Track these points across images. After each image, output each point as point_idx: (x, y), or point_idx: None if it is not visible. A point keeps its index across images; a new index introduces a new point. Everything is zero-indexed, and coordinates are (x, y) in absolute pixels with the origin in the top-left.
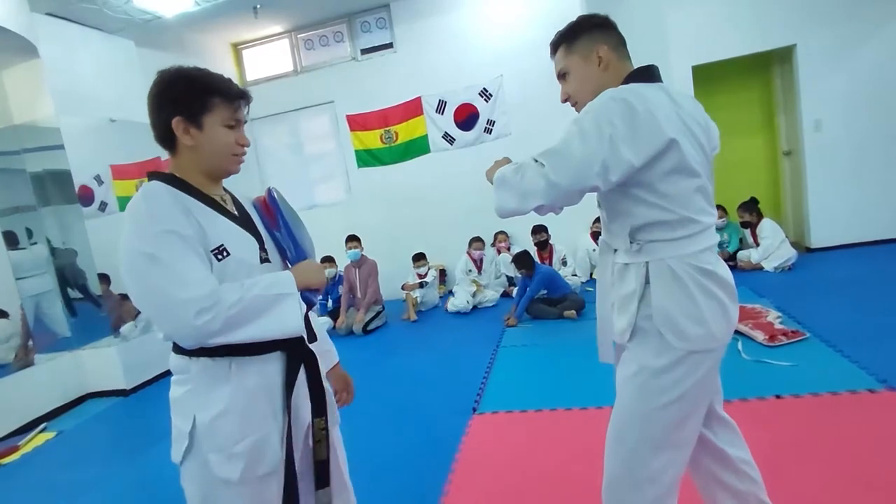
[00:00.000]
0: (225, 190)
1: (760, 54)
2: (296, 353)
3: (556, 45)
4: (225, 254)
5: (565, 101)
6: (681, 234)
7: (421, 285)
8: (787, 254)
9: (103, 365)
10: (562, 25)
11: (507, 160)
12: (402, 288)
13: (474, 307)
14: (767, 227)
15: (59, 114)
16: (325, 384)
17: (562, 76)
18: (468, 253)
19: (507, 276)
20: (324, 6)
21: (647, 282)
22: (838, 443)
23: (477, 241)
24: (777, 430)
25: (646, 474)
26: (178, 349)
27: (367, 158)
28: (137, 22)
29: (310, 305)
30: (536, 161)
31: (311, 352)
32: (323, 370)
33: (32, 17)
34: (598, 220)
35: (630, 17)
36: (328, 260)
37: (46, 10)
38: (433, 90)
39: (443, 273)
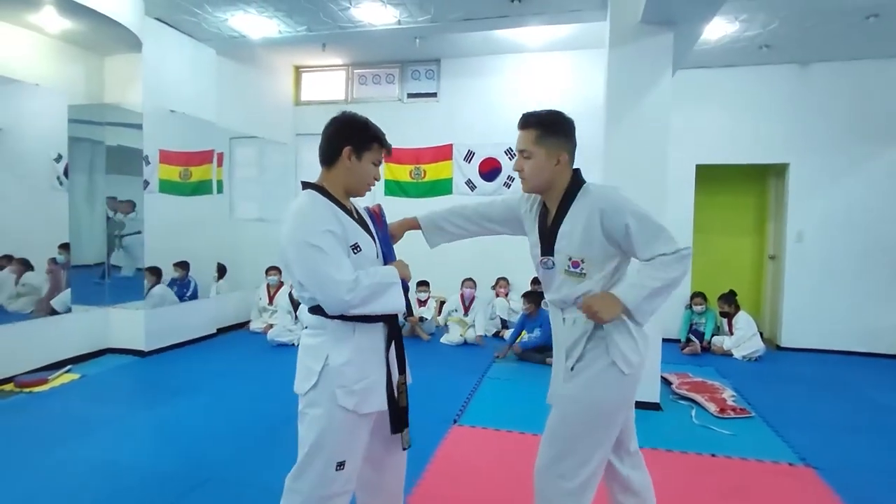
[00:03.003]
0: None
1: (758, 166)
2: (393, 325)
3: (528, 125)
4: (359, 249)
5: (518, 170)
6: None
7: (421, 319)
8: (757, 346)
9: (129, 325)
10: (586, 110)
11: (612, 296)
12: (407, 321)
13: (465, 342)
14: (743, 319)
15: (145, 101)
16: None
17: (524, 154)
18: (462, 293)
19: (501, 318)
20: (382, 50)
21: (596, 326)
22: (752, 498)
23: (468, 281)
24: (704, 480)
25: (566, 466)
26: (315, 311)
27: (395, 189)
28: (225, 37)
29: (406, 290)
30: (666, 255)
31: (399, 327)
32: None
33: (142, 18)
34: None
35: (641, 112)
36: None
37: (156, 14)
38: (465, 140)
39: (443, 305)
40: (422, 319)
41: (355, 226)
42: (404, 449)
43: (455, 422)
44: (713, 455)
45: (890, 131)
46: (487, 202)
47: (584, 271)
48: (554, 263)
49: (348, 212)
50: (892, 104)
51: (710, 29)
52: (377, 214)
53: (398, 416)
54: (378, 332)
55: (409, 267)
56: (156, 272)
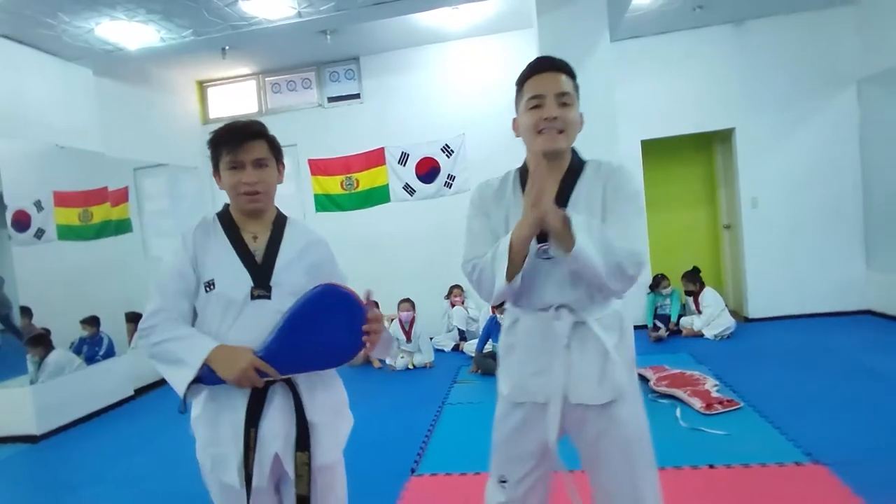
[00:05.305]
0: (278, 226)
1: (703, 134)
2: (263, 392)
3: (565, 70)
4: (212, 287)
5: (554, 118)
6: None
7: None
8: (727, 323)
9: (12, 407)
10: None
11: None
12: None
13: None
14: (709, 296)
15: (0, 136)
16: (317, 419)
17: (565, 100)
18: (398, 318)
19: (459, 329)
20: (294, 53)
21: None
22: None
23: (405, 303)
24: (707, 498)
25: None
26: None
27: (327, 203)
28: (98, 52)
29: (202, 380)
30: (632, 252)
31: (294, 388)
32: (313, 406)
33: None
34: None
35: (584, 87)
36: None
37: (1, 31)
38: (397, 142)
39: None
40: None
41: (226, 257)
42: None
43: (413, 472)
44: (711, 466)
45: (833, 82)
46: (471, 237)
47: None
48: None
49: (237, 239)
50: (832, 55)
51: None
52: (313, 294)
53: None
54: (235, 393)
55: (239, 371)
56: (40, 340)
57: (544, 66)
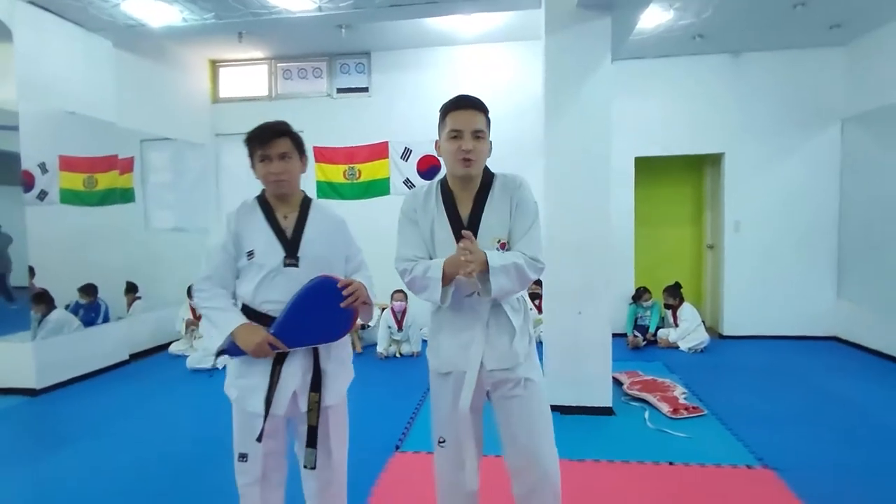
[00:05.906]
0: (304, 208)
1: (694, 156)
2: None
3: (481, 108)
4: (252, 256)
5: (470, 150)
6: None
7: (364, 327)
8: (702, 337)
9: (14, 360)
10: (526, 102)
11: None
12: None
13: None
14: (687, 310)
15: (21, 99)
16: (328, 367)
17: (479, 135)
18: (391, 307)
19: None
20: (307, 42)
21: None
22: None
23: (398, 293)
24: (662, 491)
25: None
26: None
27: (328, 191)
28: (120, 25)
29: (227, 351)
30: (534, 260)
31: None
32: (327, 357)
33: (13, 2)
34: None
35: (582, 101)
36: None
37: None
38: (401, 137)
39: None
40: (364, 327)
41: (263, 232)
42: (305, 467)
43: (397, 448)
44: (671, 463)
45: (819, 118)
46: (402, 239)
47: (509, 251)
48: None
49: (272, 218)
50: (820, 92)
51: (646, 17)
52: (317, 283)
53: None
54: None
55: (255, 345)
56: (43, 298)
57: (464, 104)
